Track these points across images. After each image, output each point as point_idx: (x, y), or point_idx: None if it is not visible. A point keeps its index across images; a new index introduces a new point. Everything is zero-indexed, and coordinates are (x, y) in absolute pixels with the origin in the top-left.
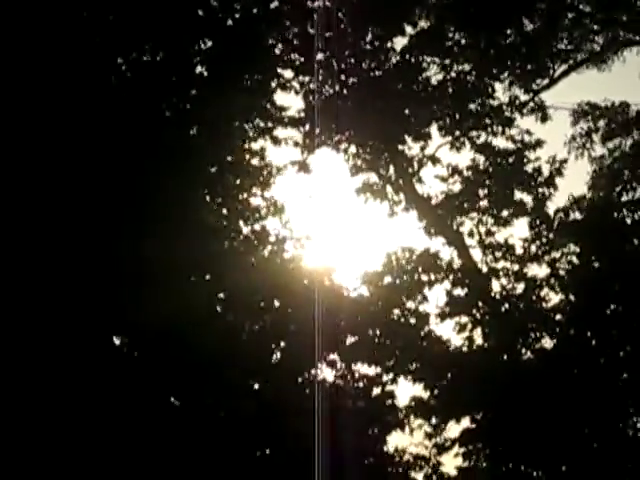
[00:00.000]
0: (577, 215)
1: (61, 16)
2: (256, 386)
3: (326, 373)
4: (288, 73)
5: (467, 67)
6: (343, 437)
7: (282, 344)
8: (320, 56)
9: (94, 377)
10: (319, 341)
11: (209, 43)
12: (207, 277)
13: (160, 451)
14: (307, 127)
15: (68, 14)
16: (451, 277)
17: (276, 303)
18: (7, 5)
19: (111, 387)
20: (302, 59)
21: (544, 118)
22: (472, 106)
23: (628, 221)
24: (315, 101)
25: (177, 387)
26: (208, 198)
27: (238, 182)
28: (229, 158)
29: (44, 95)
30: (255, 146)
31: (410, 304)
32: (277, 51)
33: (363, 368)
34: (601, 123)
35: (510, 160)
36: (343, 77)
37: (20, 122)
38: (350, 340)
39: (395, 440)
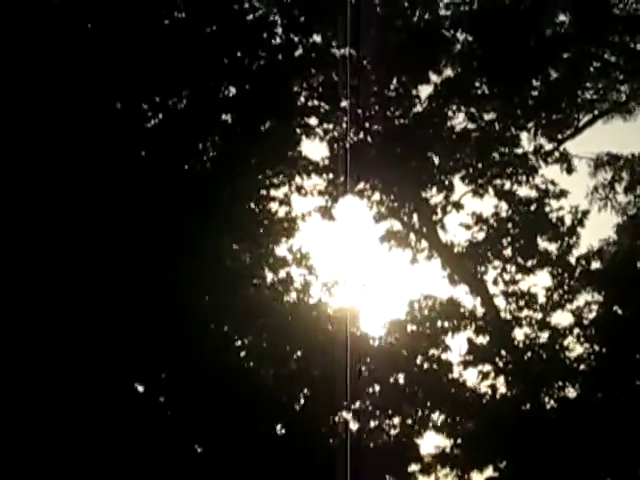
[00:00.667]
0: (598, 264)
1: (90, 60)
2: (279, 431)
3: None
4: (313, 121)
5: (492, 116)
6: None
7: (306, 391)
8: (345, 104)
9: (117, 425)
10: (348, 386)
11: (233, 90)
12: (231, 322)
13: None
14: (331, 175)
15: (95, 59)
16: (473, 325)
17: (300, 350)
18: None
19: (134, 435)
20: (327, 107)
21: (569, 170)
22: (496, 155)
23: None
24: (339, 149)
25: (201, 434)
26: (234, 246)
27: (263, 230)
28: (254, 206)
29: (71, 137)
30: (279, 194)
31: (433, 351)
32: (302, 99)
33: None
34: (623, 174)
35: (532, 208)
36: (367, 125)
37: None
38: (374, 388)
39: None
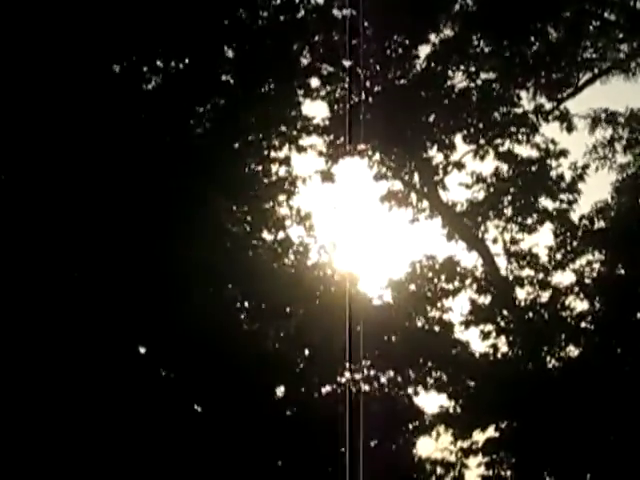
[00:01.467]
0: (601, 223)
1: (83, 26)
2: (280, 392)
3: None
4: (314, 82)
5: (492, 75)
6: (371, 443)
7: (307, 351)
8: (346, 64)
9: (119, 385)
10: (350, 346)
11: (234, 51)
12: (231, 285)
13: (183, 458)
14: (332, 136)
15: (90, 24)
16: (475, 285)
17: (300, 310)
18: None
19: (135, 395)
20: (328, 68)
21: (569, 128)
22: (497, 114)
23: None
24: (340, 109)
25: (200, 394)
26: (234, 206)
27: (263, 191)
28: (254, 166)
29: (70, 102)
30: (280, 154)
31: (434, 312)
32: (303, 60)
33: (387, 376)
34: (623, 132)
35: (533, 168)
36: (369, 85)
37: (42, 125)
38: (374, 347)
39: (420, 446)
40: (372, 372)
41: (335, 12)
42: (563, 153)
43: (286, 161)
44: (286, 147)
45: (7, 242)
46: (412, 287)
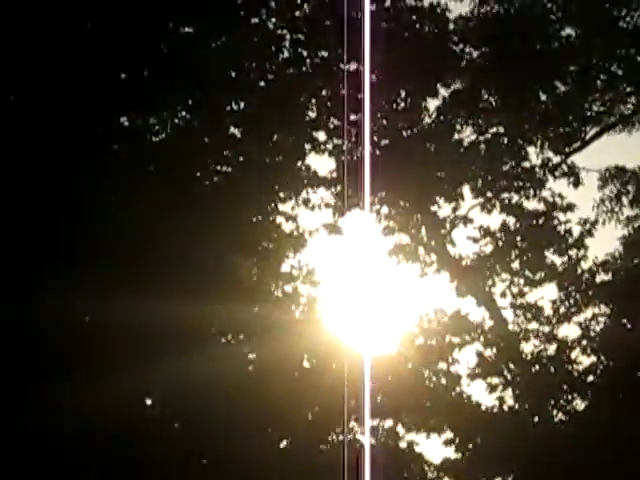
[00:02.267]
0: (605, 277)
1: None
2: (283, 444)
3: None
4: (321, 135)
5: (499, 129)
6: None
7: (312, 405)
8: (353, 117)
9: (125, 438)
10: (348, 403)
11: (242, 104)
12: (239, 338)
13: None
14: (339, 188)
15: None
16: (482, 338)
17: (306, 364)
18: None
19: (142, 447)
20: (335, 121)
21: (576, 183)
22: (504, 168)
23: None
24: (348, 162)
25: (206, 447)
26: (242, 261)
27: (270, 244)
28: (261, 220)
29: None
30: (287, 208)
31: (441, 365)
32: (310, 113)
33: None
34: (630, 187)
35: (540, 221)
36: (376, 138)
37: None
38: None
39: None
40: (378, 423)
41: (342, 65)
42: (570, 207)
43: (293, 214)
44: (293, 200)
45: None
46: (420, 340)
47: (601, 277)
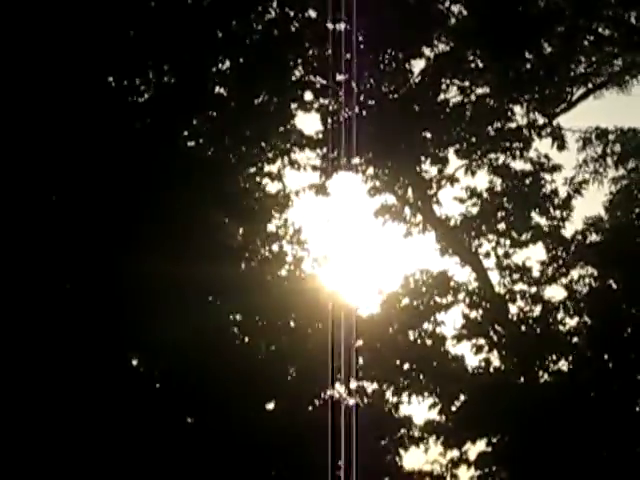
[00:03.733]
0: (594, 237)
1: (78, 38)
2: (271, 406)
3: (342, 393)
4: (308, 95)
5: (486, 90)
6: (359, 455)
7: (298, 364)
8: (340, 78)
9: (111, 396)
10: (333, 361)
11: (228, 63)
12: (224, 298)
13: (175, 471)
14: (325, 150)
15: (84, 37)
16: (468, 299)
17: (292, 323)
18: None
19: (128, 406)
20: (322, 81)
21: (561, 146)
22: (490, 129)
23: None
24: (334, 123)
25: (191, 407)
26: (226, 220)
27: (256, 205)
28: (247, 179)
29: (61, 111)
30: (273, 168)
31: (427, 325)
32: (297, 73)
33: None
34: (615, 147)
35: (527, 182)
36: (362, 99)
37: (34, 134)
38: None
39: (409, 458)
40: (363, 384)
41: (329, 26)
42: (556, 168)
43: (279, 175)
44: (279, 161)
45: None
46: (405, 300)
47: (588, 239)
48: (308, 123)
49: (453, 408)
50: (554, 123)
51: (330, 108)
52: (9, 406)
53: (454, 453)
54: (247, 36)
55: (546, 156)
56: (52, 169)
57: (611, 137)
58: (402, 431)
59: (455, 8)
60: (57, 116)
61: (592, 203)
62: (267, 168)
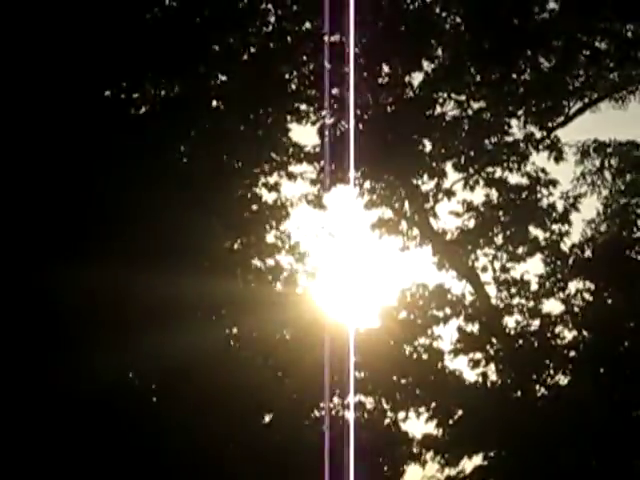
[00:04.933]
0: (589, 252)
1: (78, 50)
2: (267, 419)
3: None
4: (304, 107)
5: (482, 104)
6: (356, 471)
7: (295, 379)
8: (335, 91)
9: (106, 408)
10: (328, 377)
11: (224, 77)
12: (221, 312)
13: None
14: (322, 163)
15: (82, 50)
16: (464, 313)
17: (288, 337)
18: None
19: (124, 419)
20: (318, 94)
21: (558, 158)
22: (487, 142)
23: None
24: (330, 136)
25: (187, 420)
26: (223, 233)
27: (252, 217)
28: (244, 192)
29: (58, 124)
30: (270, 181)
31: (423, 340)
32: (293, 86)
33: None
34: (612, 161)
35: (524, 195)
36: (359, 112)
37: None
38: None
39: (408, 475)
40: (360, 399)
41: (326, 39)
42: (553, 182)
43: (276, 187)
44: (276, 173)
45: None
46: (402, 314)
47: (586, 253)
48: (304, 136)
49: (450, 422)
50: (551, 136)
51: (326, 121)
52: None
53: (452, 471)
54: (243, 49)
55: (543, 170)
56: (50, 181)
57: (609, 150)
58: (401, 447)
59: (452, 22)
60: (55, 127)
61: (590, 216)
62: (263, 180)
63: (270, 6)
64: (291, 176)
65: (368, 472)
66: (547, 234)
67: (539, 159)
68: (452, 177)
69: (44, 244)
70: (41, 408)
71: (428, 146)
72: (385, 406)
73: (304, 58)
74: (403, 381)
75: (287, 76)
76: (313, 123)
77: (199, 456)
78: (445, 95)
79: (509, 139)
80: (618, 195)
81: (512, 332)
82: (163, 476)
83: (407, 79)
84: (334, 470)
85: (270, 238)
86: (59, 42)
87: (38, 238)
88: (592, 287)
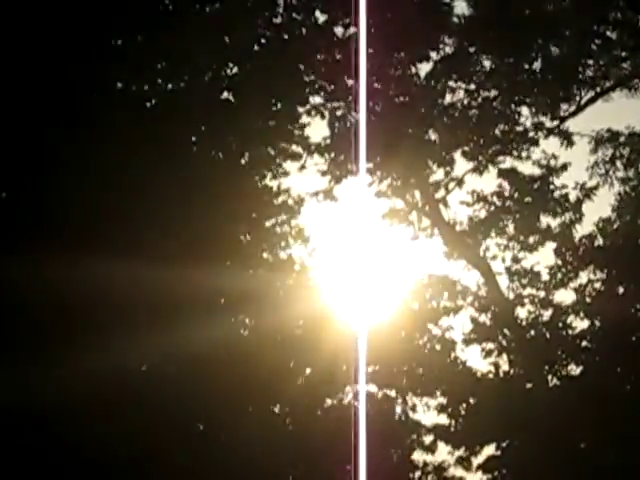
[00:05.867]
0: (601, 241)
1: (87, 42)
2: (278, 411)
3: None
4: (316, 99)
5: (493, 93)
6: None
7: (306, 371)
8: (349, 83)
9: (125, 402)
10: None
11: (236, 69)
12: (232, 305)
13: (186, 475)
14: (333, 154)
15: (91, 43)
16: (476, 303)
17: (300, 330)
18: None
19: (137, 413)
20: (330, 86)
21: (569, 143)
22: (497, 131)
23: None
24: (342, 127)
25: (201, 414)
26: (235, 226)
27: (264, 210)
28: (255, 184)
29: (70, 116)
30: (282, 173)
31: (435, 330)
32: (305, 77)
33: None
34: (624, 150)
35: (535, 185)
36: (370, 103)
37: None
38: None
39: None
40: (372, 389)
41: (337, 30)
42: (564, 167)
43: (288, 179)
44: (287, 165)
45: None
46: (413, 305)
47: (596, 242)
48: (316, 129)
49: (462, 412)
50: (562, 126)
51: (338, 113)
52: None
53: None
54: (255, 41)
55: (553, 155)
56: (51, 175)
57: (621, 139)
58: (412, 437)
59: (461, 10)
60: (64, 118)
61: (603, 205)
62: (274, 172)
63: None
64: (302, 168)
65: (379, 461)
66: (559, 220)
67: (550, 147)
68: (462, 167)
69: (52, 239)
70: (47, 407)
71: (437, 136)
72: (397, 396)
73: (314, 49)
74: (415, 372)
75: (298, 67)
76: (322, 117)
77: (209, 449)
78: (454, 84)
79: (519, 128)
80: (630, 184)
81: (524, 323)
82: (177, 462)
83: (415, 69)
84: (345, 458)
85: (281, 230)
86: (59, 40)
87: (44, 232)
88: (604, 277)
